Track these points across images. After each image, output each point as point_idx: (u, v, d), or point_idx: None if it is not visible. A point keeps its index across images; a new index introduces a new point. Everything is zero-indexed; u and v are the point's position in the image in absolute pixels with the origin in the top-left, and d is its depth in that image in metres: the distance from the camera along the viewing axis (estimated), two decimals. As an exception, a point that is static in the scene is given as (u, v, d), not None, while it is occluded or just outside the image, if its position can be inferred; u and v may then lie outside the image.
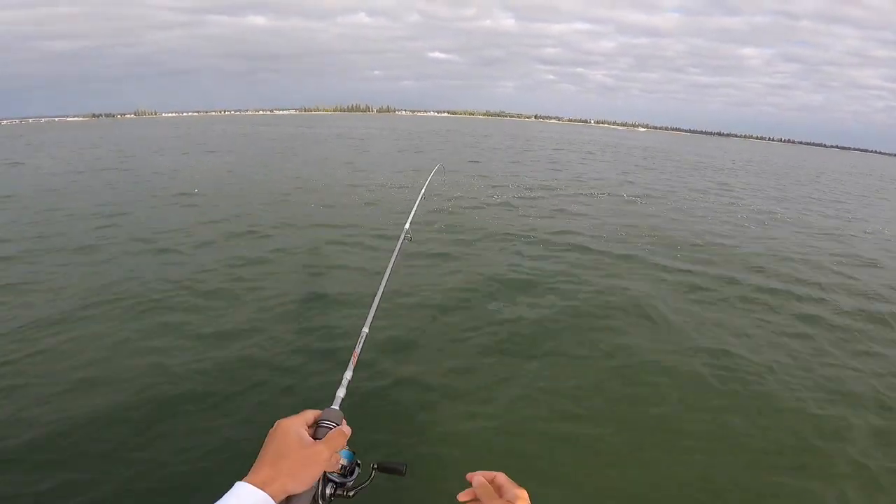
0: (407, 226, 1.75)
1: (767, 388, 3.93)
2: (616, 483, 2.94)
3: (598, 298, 5.64)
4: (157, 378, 3.83)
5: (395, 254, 1.49)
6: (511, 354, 4.34)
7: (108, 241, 7.51)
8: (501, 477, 0.74)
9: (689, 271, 6.78)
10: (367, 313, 1.18)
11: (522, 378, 3.99)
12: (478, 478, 0.73)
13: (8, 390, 3.61)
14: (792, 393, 3.89)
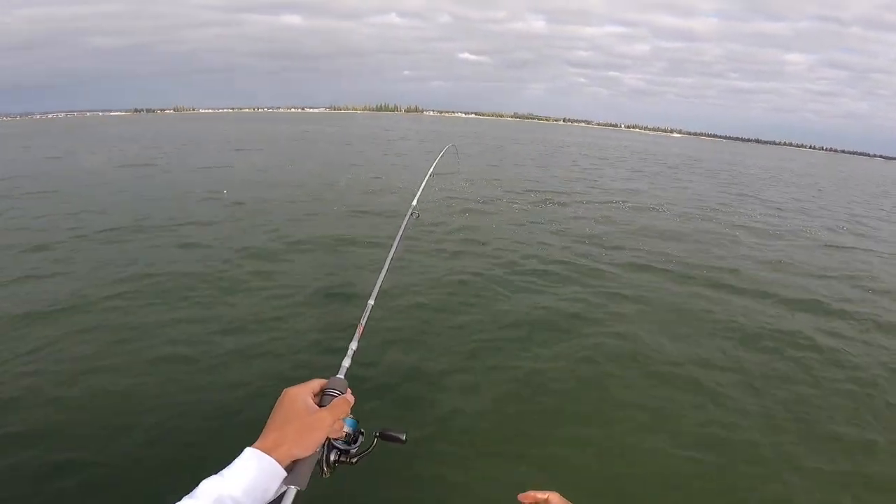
0: (414, 202, 1.76)
1: (743, 407, 3.93)
2: (605, 477, 3.09)
3: (600, 308, 5.69)
4: (171, 360, 4.11)
5: (402, 228, 1.50)
6: (507, 354, 4.48)
7: (136, 236, 7.97)
8: (555, 497, 0.72)
9: (696, 287, 6.72)
10: (373, 286, 1.18)
11: (517, 377, 4.13)
12: None
13: (31, 374, 3.94)
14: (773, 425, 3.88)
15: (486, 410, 3.66)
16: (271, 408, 0.73)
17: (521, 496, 0.73)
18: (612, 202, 12.90)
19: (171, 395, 3.68)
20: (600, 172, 20.76)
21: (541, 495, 0.72)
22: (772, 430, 3.63)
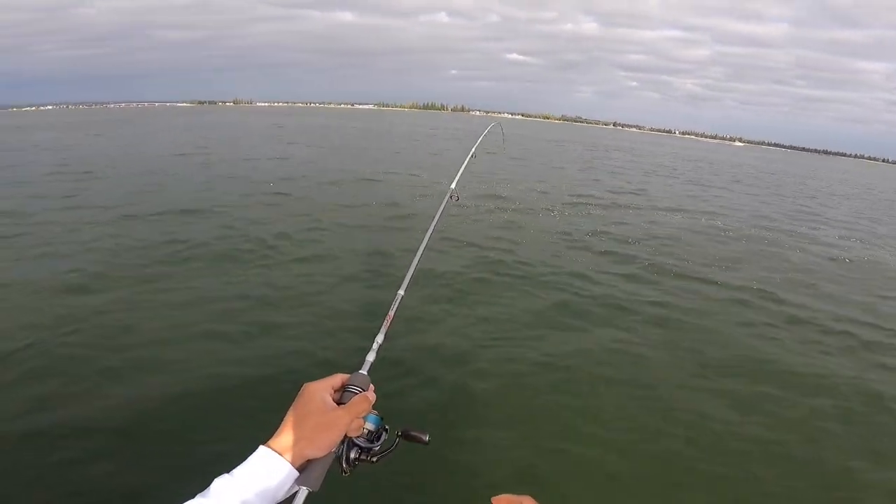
0: (453, 185, 1.68)
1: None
2: (607, 474, 3.08)
3: (628, 313, 5.51)
4: (207, 336, 4.31)
5: (439, 213, 1.43)
6: (526, 349, 4.41)
7: (184, 218, 8.43)
8: (529, 502, 0.72)
9: (735, 295, 6.31)
10: (405, 275, 1.13)
11: (535, 371, 4.11)
12: None
13: (73, 344, 4.23)
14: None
15: (499, 402, 3.72)
16: (292, 400, 0.72)
17: (494, 499, 0.73)
18: (656, 209, 12.38)
19: (205, 368, 3.88)
20: (646, 179, 19.97)
21: (515, 499, 0.71)
22: (778, 448, 3.45)
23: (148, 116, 57.55)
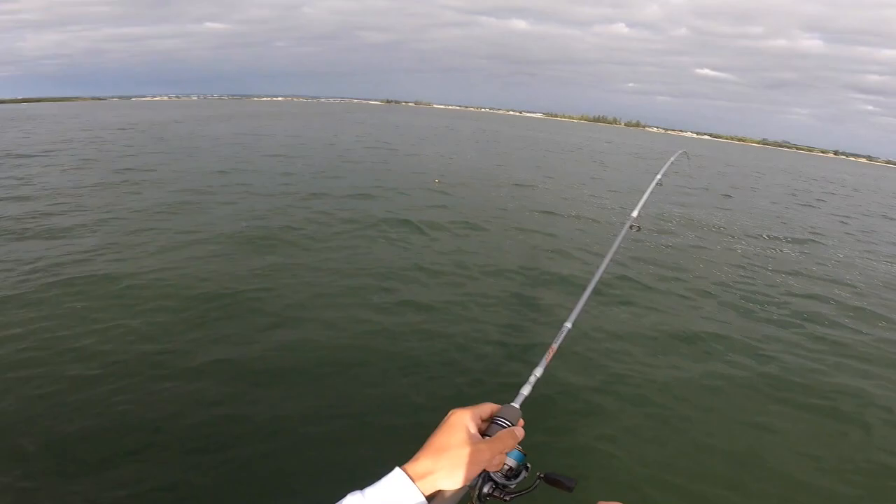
0: (635, 213, 1.55)
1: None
2: None
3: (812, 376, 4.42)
4: (362, 321, 4.66)
5: (618, 242, 1.35)
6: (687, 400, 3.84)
7: (358, 201, 9.56)
8: None
9: None
10: (574, 306, 1.06)
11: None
12: None
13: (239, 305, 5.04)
14: None
15: (622, 418, 3.55)
16: (437, 423, 0.70)
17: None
18: (870, 255, 9.70)
19: (365, 338, 4.25)
20: (866, 220, 15.65)
21: None
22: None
23: (349, 111, 67.60)
